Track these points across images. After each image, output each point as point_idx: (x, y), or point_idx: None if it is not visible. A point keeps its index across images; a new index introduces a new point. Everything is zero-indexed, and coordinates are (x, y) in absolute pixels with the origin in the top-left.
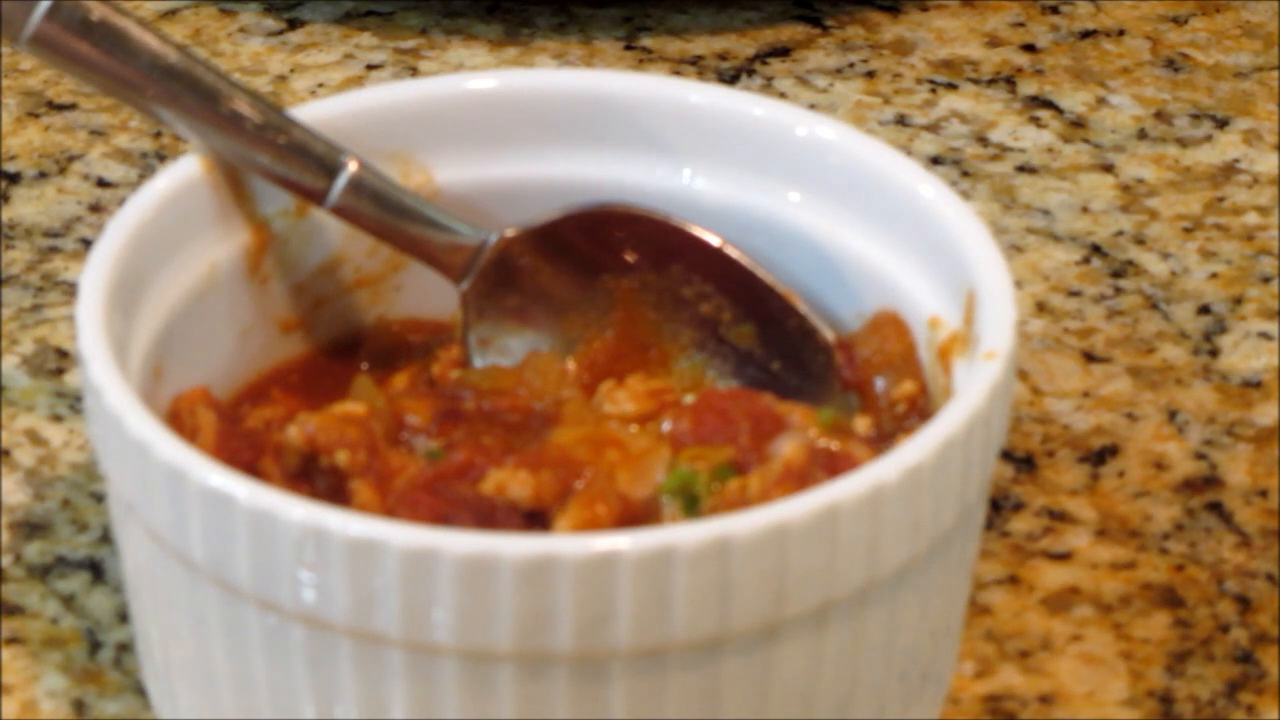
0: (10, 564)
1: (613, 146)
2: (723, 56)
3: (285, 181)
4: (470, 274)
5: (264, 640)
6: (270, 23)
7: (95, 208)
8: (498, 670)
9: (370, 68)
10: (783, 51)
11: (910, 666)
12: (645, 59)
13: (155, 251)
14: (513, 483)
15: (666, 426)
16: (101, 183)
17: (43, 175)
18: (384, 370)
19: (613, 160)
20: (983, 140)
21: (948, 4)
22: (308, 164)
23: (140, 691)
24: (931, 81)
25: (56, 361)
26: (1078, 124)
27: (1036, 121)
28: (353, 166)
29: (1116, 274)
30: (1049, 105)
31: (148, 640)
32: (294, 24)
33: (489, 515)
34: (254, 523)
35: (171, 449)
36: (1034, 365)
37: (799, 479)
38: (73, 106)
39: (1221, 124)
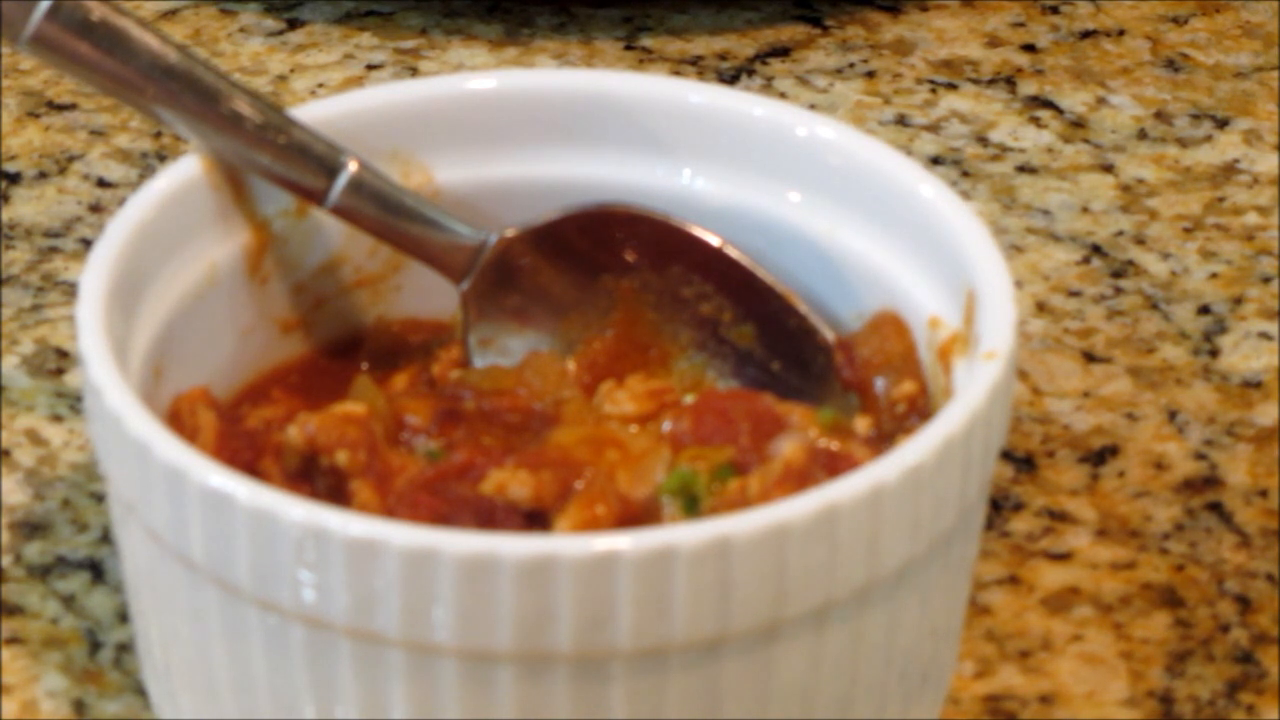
0: (10, 564)
1: (613, 146)
2: (723, 56)
3: (285, 181)
4: (470, 274)
5: (264, 640)
6: (270, 23)
7: (95, 208)
8: (498, 670)
9: (370, 68)
10: (783, 51)
11: (910, 666)
12: (645, 59)
13: (155, 251)
14: (513, 483)
15: (666, 426)
16: (101, 183)
17: (43, 175)
18: (384, 370)
19: (613, 160)
20: (983, 140)
21: (948, 4)
22: (308, 164)
23: (140, 691)
24: (931, 81)
25: (56, 361)
26: (1078, 124)
27: (1036, 121)
28: (353, 166)
29: (1116, 274)
30: (1049, 105)
31: (148, 640)
32: (294, 24)
33: (489, 515)
34: (254, 523)
35: (171, 449)
36: (1034, 365)
37: (799, 479)
38: (73, 106)
39: (1221, 124)
